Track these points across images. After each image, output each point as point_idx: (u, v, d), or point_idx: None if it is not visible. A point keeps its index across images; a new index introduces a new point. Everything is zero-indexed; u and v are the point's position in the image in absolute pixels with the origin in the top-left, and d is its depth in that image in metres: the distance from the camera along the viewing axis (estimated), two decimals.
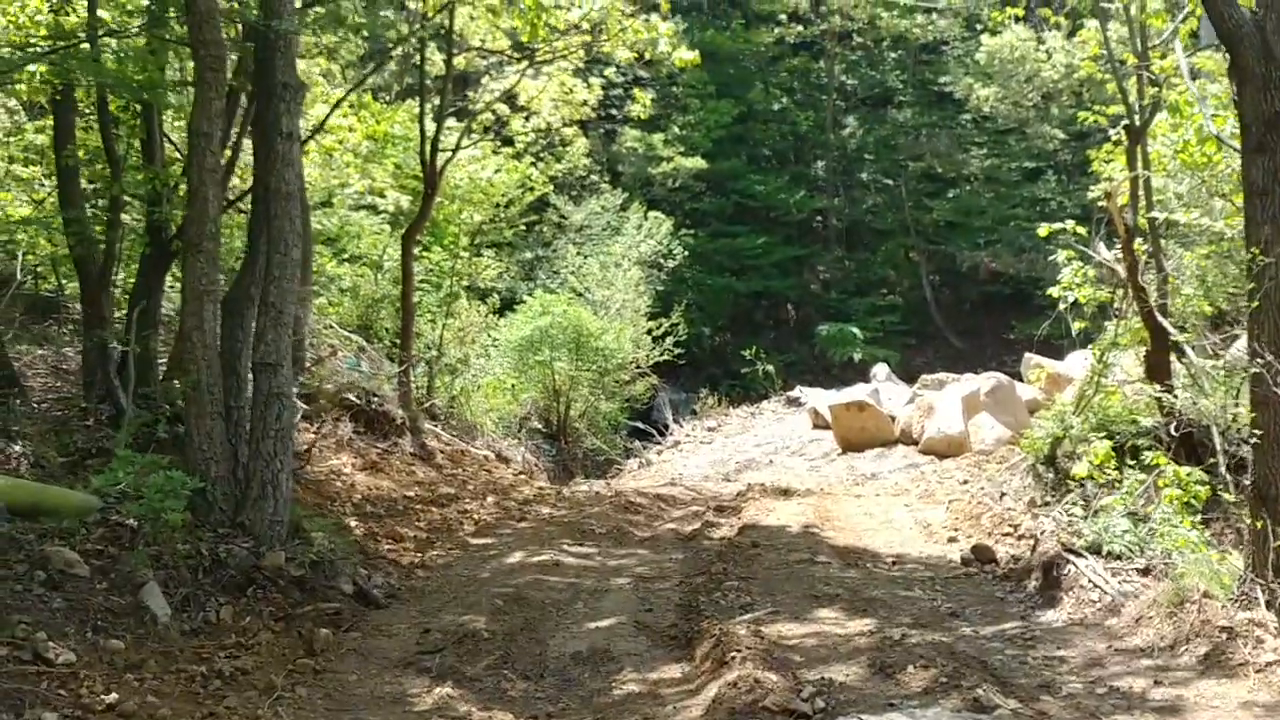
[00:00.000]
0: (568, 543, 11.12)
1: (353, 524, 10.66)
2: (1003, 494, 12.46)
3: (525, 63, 18.49)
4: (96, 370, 10.43)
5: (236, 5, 9.69)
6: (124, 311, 11.17)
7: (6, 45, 9.81)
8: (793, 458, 20.45)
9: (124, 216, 11.48)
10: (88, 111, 11.20)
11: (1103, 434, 11.17)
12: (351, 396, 14.78)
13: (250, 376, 8.85)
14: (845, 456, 19.50)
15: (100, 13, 10.06)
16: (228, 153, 11.26)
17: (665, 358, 24.99)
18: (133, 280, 11.57)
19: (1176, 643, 6.68)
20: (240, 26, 9.97)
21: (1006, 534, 10.50)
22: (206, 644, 6.78)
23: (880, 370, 26.42)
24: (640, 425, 25.46)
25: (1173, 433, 10.25)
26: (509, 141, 21.24)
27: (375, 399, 15.17)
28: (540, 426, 21.74)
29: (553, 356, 21.23)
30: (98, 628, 6.42)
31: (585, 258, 27.90)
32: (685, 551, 10.91)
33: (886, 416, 20.10)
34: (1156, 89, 12.10)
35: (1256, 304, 7.07)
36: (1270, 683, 6.13)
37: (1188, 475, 8.85)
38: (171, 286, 12.31)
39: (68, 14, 10.43)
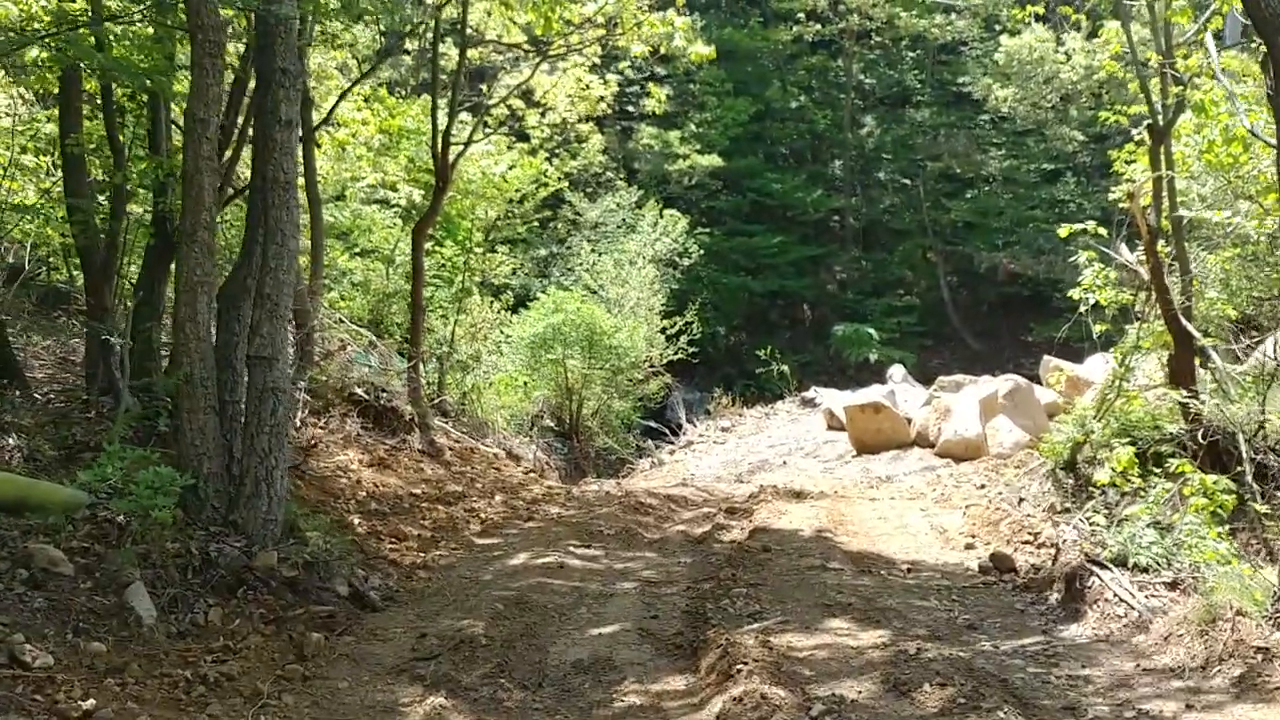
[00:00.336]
0: (574, 544, 10.88)
1: (355, 521, 10.43)
2: (1021, 499, 12.18)
3: (539, 57, 18.28)
4: (99, 362, 10.24)
5: None
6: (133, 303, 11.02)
7: (9, 29, 9.59)
8: (806, 459, 20.19)
9: (133, 207, 11.30)
10: (99, 100, 11.02)
11: (1125, 440, 10.86)
12: (360, 392, 14.59)
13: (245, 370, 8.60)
14: (860, 458, 19.25)
15: None
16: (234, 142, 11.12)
17: (679, 357, 24.79)
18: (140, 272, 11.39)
19: (1209, 663, 6.31)
20: (250, 16, 9.78)
21: (1026, 542, 10.17)
22: (193, 647, 6.52)
23: (896, 371, 26.14)
24: (653, 424, 25.28)
25: (1200, 440, 9.90)
26: (524, 137, 21.07)
27: (384, 395, 14.99)
28: (552, 424, 21.57)
29: (566, 354, 21.04)
30: (79, 629, 6.18)
31: (600, 255, 27.71)
32: (694, 555, 10.63)
33: (902, 418, 19.85)
34: (1181, 88, 11.78)
35: None
36: None
37: (1214, 484, 8.54)
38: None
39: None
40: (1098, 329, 12.88)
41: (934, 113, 39.86)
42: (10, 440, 8.53)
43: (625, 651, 7.22)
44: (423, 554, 10.09)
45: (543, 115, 20.10)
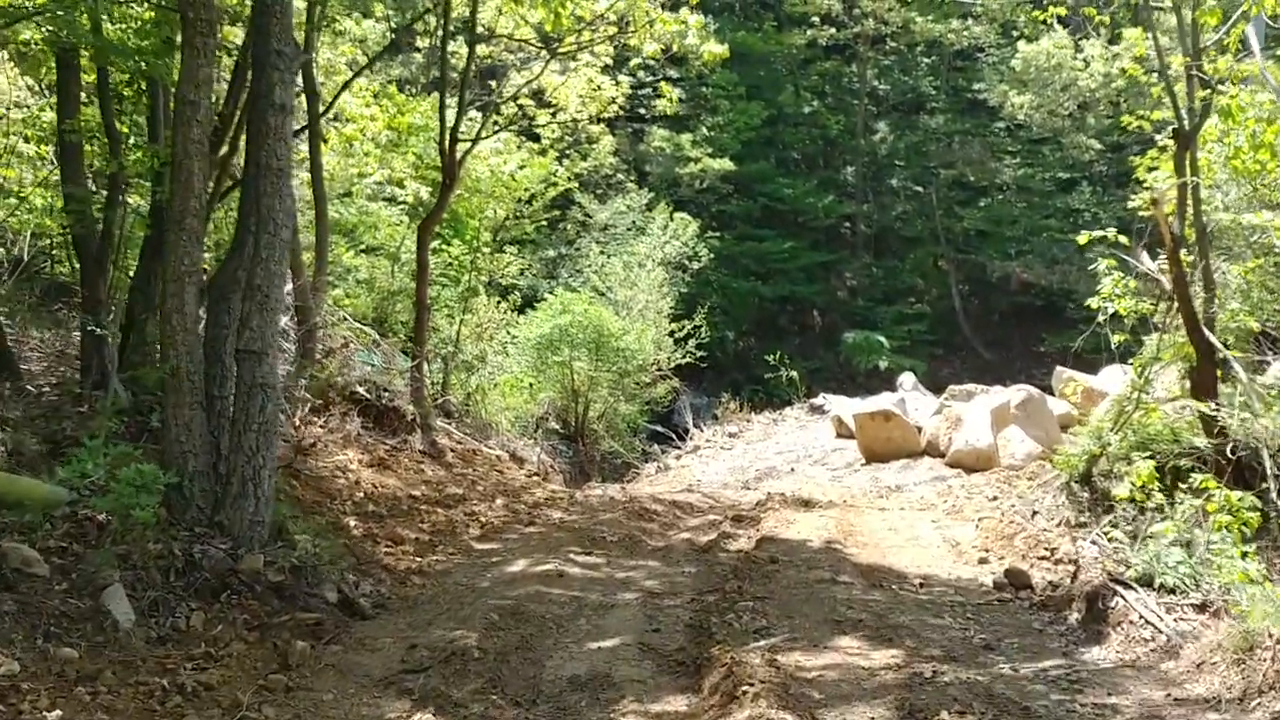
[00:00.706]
0: (576, 551, 10.55)
1: (351, 523, 10.13)
2: (1034, 512, 11.85)
3: (550, 55, 18.01)
4: (93, 355, 9.97)
5: None
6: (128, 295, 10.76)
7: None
8: (815, 467, 19.90)
9: (135, 199, 11.04)
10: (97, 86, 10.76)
11: (1143, 453, 10.54)
12: (362, 390, 14.32)
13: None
14: (869, 467, 18.98)
15: None
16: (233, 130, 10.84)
17: (687, 361, 24.55)
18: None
19: (1246, 695, 5.89)
20: None
21: (1042, 557, 9.82)
22: (172, 654, 6.22)
23: (907, 379, 25.84)
24: (660, 429, 25.03)
25: (1229, 455, 9.53)
26: (535, 137, 20.82)
27: (386, 394, 14.71)
28: (558, 427, 21.32)
29: (572, 356, 20.85)
30: (50, 634, 5.89)
31: (609, 257, 27.49)
32: (699, 565, 10.27)
33: (913, 427, 19.58)
34: (1208, 91, 11.45)
35: None
36: None
37: (1239, 500, 8.20)
38: None
39: None
40: (1116, 339, 12.53)
41: (948, 119, 39.57)
42: None
43: (625, 668, 6.87)
44: (419, 559, 9.78)
45: (553, 115, 19.83)
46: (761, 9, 40.69)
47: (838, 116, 39.62)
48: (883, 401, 21.25)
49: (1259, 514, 8.29)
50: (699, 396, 29.08)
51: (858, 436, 19.99)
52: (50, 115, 11.85)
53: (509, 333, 21.59)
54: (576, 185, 26.51)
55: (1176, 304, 11.43)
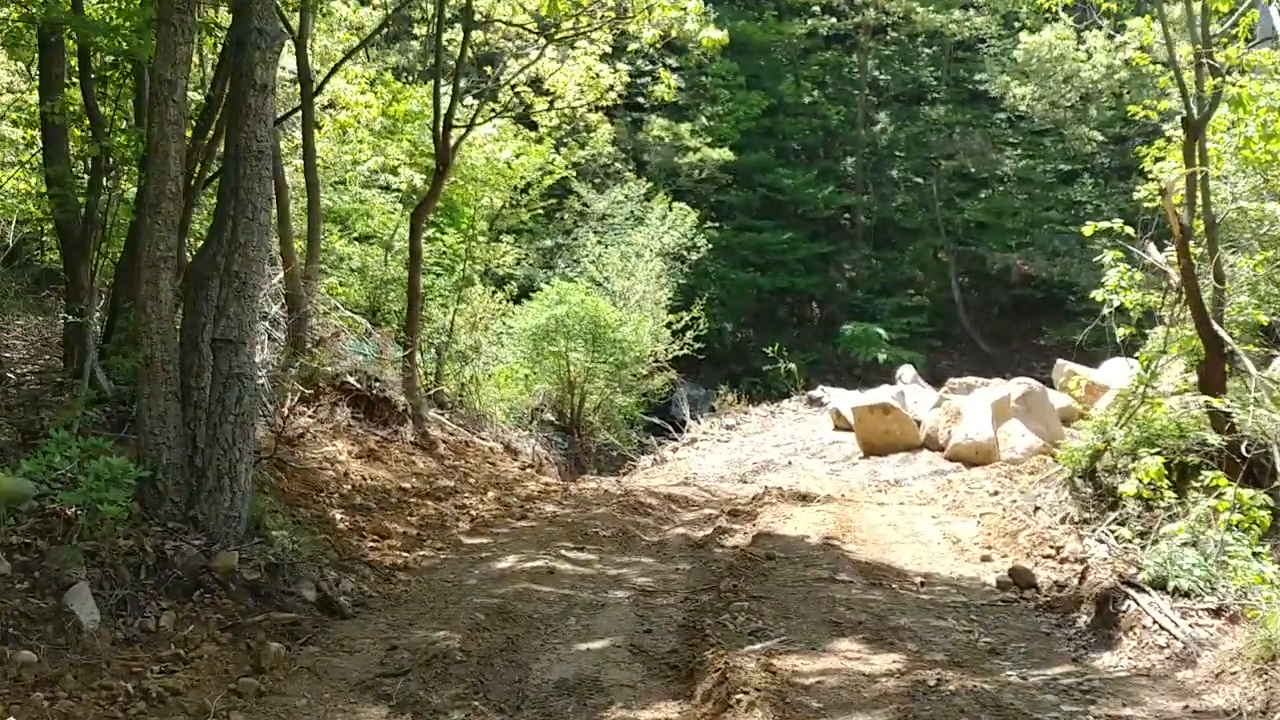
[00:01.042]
0: (568, 546, 10.28)
1: (337, 517, 9.85)
2: (1036, 508, 11.60)
3: (547, 41, 17.74)
4: (75, 344, 9.71)
5: None
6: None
7: None
8: (812, 460, 19.67)
9: (126, 184, 10.77)
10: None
11: (1150, 449, 10.28)
12: (352, 380, 14.05)
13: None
14: (867, 461, 18.76)
15: None
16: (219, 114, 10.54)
17: (685, 352, 24.36)
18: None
19: (1270, 708, 5.56)
20: None
21: (1047, 556, 9.53)
22: (139, 656, 5.93)
23: (906, 372, 25.60)
24: (656, 421, 24.82)
25: (1245, 452, 9.22)
26: (532, 126, 20.58)
27: (378, 384, 14.45)
28: (553, 418, 21.11)
29: (568, 347, 20.63)
30: (8, 636, 5.61)
31: (606, 247, 27.26)
32: (693, 562, 10.00)
33: (911, 420, 19.36)
34: (1220, 79, 11.18)
35: None
36: None
37: (1250, 499, 7.93)
38: None
39: None
40: (1122, 332, 12.27)
41: (949, 110, 39.28)
42: None
43: (614, 671, 6.56)
44: (405, 554, 9.50)
45: (551, 104, 19.56)
46: None
47: (838, 107, 39.36)
48: (882, 394, 21.03)
49: (1269, 512, 8.03)
50: (696, 388, 28.89)
51: (856, 430, 19.77)
52: (37, 99, 11.62)
53: (504, 323, 21.36)
54: (574, 174, 26.28)
55: (1185, 297, 11.18)
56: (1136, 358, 12.40)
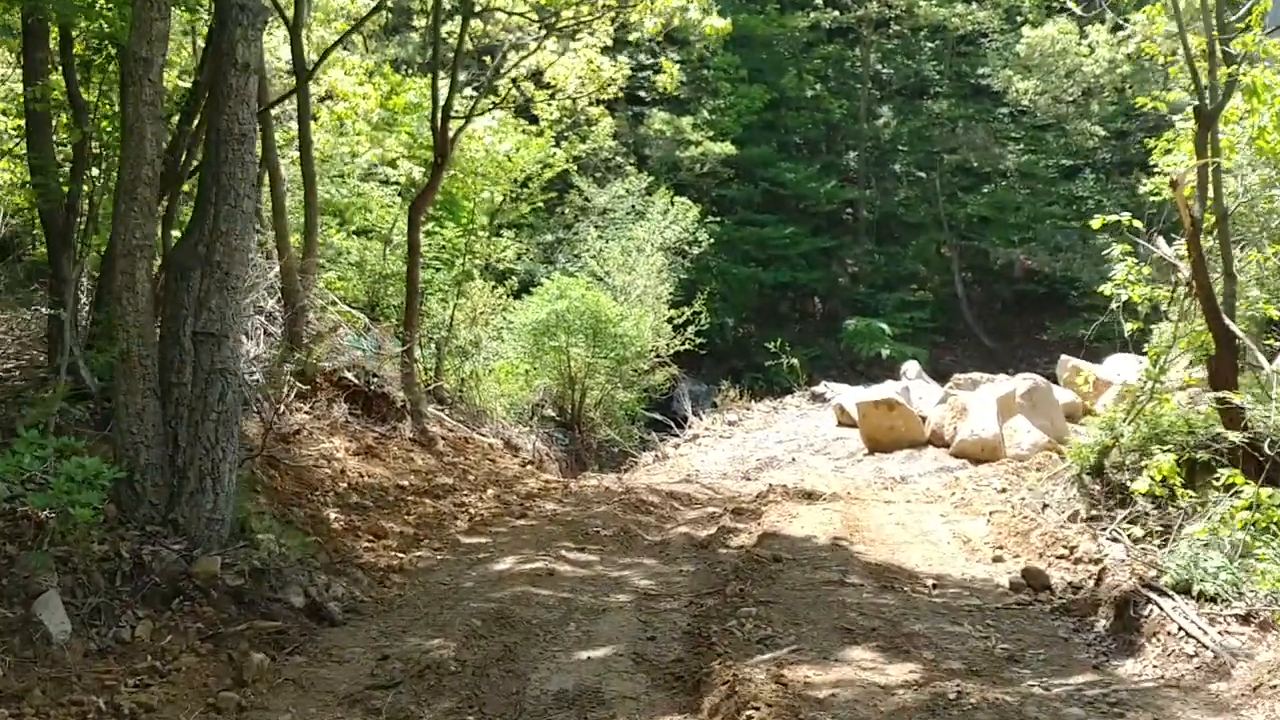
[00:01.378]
0: (568, 546, 10.06)
1: (331, 516, 9.63)
2: (1045, 505, 11.40)
3: (547, 31, 17.53)
4: (58, 339, 9.47)
5: None
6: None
7: None
8: (816, 456, 19.46)
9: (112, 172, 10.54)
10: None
11: (1162, 446, 10.08)
12: (350, 376, 13.84)
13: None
14: (872, 457, 18.56)
15: None
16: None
17: (686, 347, 24.15)
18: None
19: None
20: None
21: (1061, 556, 9.28)
22: (113, 668, 5.64)
23: (911, 368, 25.41)
24: (658, 416, 24.59)
25: (1265, 450, 8.97)
26: (533, 119, 20.39)
27: (376, 379, 14.24)
28: (554, 414, 20.92)
29: (569, 342, 20.43)
30: None
31: (607, 242, 27.04)
32: (697, 563, 9.74)
33: (917, 416, 19.16)
34: (1235, 66, 10.96)
35: None
36: None
37: (1269, 497, 7.69)
38: None
39: None
40: (1130, 327, 12.05)
41: (952, 105, 39.05)
42: None
43: (616, 682, 6.26)
44: (401, 555, 9.26)
45: (552, 97, 19.36)
46: None
47: (840, 101, 39.14)
48: (886, 390, 20.87)
49: None
50: (698, 384, 28.70)
51: (860, 426, 19.57)
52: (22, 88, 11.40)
53: (505, 318, 21.16)
54: (574, 168, 26.10)
55: (1195, 290, 10.96)
56: (1145, 353, 12.21)
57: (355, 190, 19.14)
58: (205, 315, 7.30)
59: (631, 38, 21.18)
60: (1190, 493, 8.63)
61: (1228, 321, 10.80)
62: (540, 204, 23.64)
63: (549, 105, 19.50)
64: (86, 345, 9.16)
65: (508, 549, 9.87)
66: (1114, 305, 11.80)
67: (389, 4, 19.20)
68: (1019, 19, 36.48)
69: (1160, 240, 11.92)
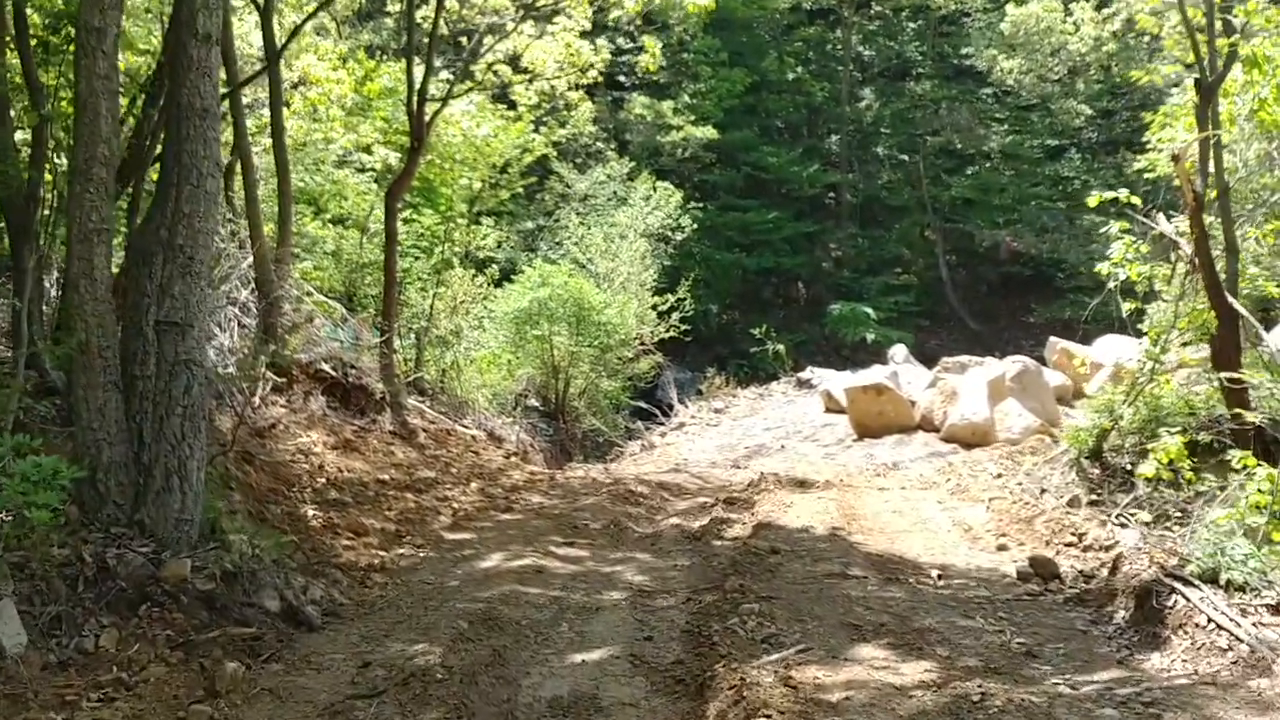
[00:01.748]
0: (556, 540, 9.69)
1: (310, 513, 9.23)
2: (1043, 490, 11.11)
3: (524, 13, 17.13)
4: (20, 332, 9.03)
5: None
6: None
7: None
8: (805, 443, 19.15)
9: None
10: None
11: (1167, 428, 9.78)
12: (327, 368, 13.43)
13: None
14: (862, 443, 18.28)
15: None
16: None
17: (670, 335, 23.92)
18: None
19: None
20: None
21: (1069, 543, 8.94)
22: (74, 682, 5.26)
23: (898, 352, 25.13)
24: (643, 405, 24.33)
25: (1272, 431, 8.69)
26: (511, 104, 20.00)
27: (353, 371, 13.83)
28: (537, 404, 20.60)
29: (552, 330, 20.11)
30: None
31: (589, 228, 26.72)
32: (692, 556, 9.37)
33: (906, 401, 18.90)
34: (1236, 36, 10.65)
35: None
36: None
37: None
38: None
39: None
40: (1127, 307, 11.74)
41: (935, 86, 38.75)
42: None
43: (613, 686, 5.90)
44: (383, 552, 8.86)
45: (530, 82, 18.96)
46: None
47: (822, 83, 38.85)
48: (874, 375, 20.59)
49: None
50: (683, 371, 28.42)
51: (849, 411, 19.30)
52: None
53: (486, 306, 20.79)
54: (554, 154, 25.74)
55: (1197, 267, 10.65)
56: (1144, 333, 11.91)
57: (330, 177, 18.73)
58: (168, 303, 6.80)
59: (611, 17, 20.75)
60: (1206, 476, 8.30)
61: (1231, 299, 10.51)
62: (520, 190, 23.29)
63: (527, 90, 19.12)
64: (55, 340, 8.74)
65: (494, 545, 9.48)
66: (1111, 285, 11.48)
67: None
68: None
69: (1160, 217, 11.61)
